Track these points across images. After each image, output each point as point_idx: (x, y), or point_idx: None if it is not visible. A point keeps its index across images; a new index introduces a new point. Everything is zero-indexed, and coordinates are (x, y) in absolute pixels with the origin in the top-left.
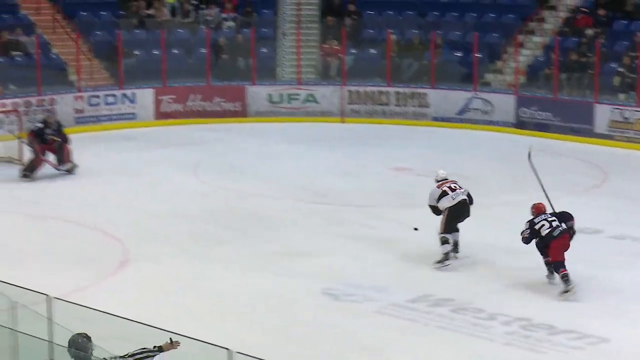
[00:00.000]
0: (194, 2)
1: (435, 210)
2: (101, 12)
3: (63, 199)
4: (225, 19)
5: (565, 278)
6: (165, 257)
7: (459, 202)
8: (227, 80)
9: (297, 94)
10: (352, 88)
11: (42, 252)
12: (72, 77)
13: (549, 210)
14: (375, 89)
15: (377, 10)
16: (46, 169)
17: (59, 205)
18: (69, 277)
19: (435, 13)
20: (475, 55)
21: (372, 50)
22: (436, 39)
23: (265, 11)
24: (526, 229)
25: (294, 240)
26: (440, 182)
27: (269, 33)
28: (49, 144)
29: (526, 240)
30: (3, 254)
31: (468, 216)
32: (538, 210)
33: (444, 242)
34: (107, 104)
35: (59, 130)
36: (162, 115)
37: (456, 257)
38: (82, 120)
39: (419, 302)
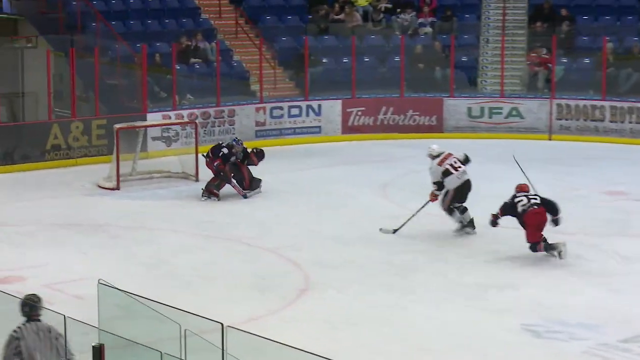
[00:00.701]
0: (388, 5)
1: (441, 186)
2: (287, 17)
3: (240, 220)
4: (422, 25)
5: (548, 247)
6: (350, 286)
7: (465, 181)
8: (423, 91)
9: (500, 108)
10: (562, 102)
11: (215, 277)
12: (254, 87)
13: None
14: (588, 102)
15: (592, 16)
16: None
17: (235, 226)
18: (244, 304)
19: None
20: None
21: (586, 60)
22: None
23: (467, 16)
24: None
25: (493, 271)
26: (440, 159)
27: (471, 40)
28: (233, 169)
29: (493, 221)
30: (174, 277)
31: (470, 191)
32: (521, 189)
33: (452, 212)
34: (291, 116)
35: (243, 158)
36: (349, 129)
37: (475, 233)
38: (263, 133)
39: (632, 342)
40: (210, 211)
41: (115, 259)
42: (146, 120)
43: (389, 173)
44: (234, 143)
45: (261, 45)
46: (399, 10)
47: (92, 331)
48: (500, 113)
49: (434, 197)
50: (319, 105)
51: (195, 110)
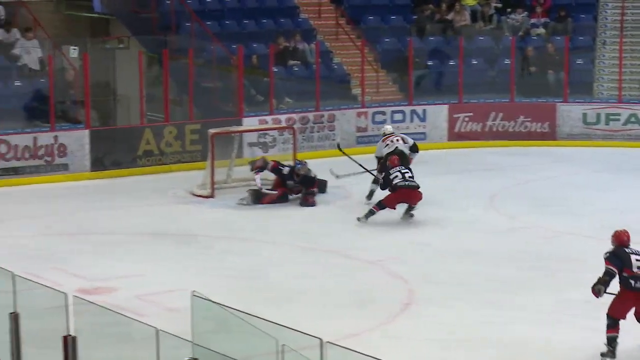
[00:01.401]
0: (498, 5)
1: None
2: (391, 17)
3: (339, 230)
4: (535, 25)
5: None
6: (455, 302)
7: (395, 149)
8: (535, 96)
9: (618, 114)
10: None
11: (313, 290)
12: (355, 91)
13: None
14: None
15: None
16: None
17: (335, 237)
18: (344, 319)
19: None
20: None
21: None
22: None
23: (582, 16)
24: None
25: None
26: (385, 137)
27: (586, 41)
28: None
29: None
30: (269, 290)
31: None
32: (393, 162)
33: (375, 181)
34: (394, 121)
35: (301, 182)
36: (456, 135)
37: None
38: (364, 139)
39: None
40: (308, 221)
41: (208, 270)
42: (242, 124)
43: (498, 183)
44: (297, 166)
45: (363, 47)
46: (509, 10)
47: (185, 345)
48: (618, 119)
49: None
50: (424, 111)
51: (293, 115)
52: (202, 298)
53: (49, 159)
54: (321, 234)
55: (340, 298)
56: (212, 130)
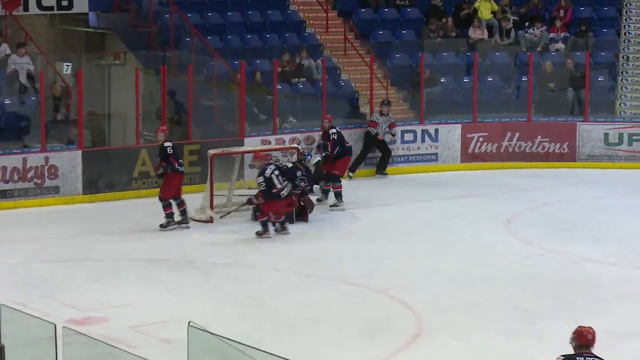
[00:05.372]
0: (515, 18)
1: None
2: (402, 32)
3: (346, 257)
4: (554, 40)
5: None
6: (469, 332)
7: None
8: (553, 115)
9: None
10: None
11: (319, 320)
12: (364, 109)
13: None
14: None
15: None
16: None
17: (341, 264)
18: (350, 350)
19: None
20: None
21: None
22: None
23: (604, 30)
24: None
25: (626, 316)
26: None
27: (608, 57)
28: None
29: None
30: (273, 320)
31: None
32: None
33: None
34: (404, 142)
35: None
36: (470, 156)
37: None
38: (373, 160)
39: None
40: (313, 247)
41: (207, 298)
42: (243, 145)
43: (514, 206)
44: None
45: (372, 63)
46: (527, 24)
47: None
48: None
49: None
50: (436, 130)
51: (297, 135)
52: (199, 329)
53: (39, 181)
54: (328, 260)
55: (347, 329)
56: (212, 151)
